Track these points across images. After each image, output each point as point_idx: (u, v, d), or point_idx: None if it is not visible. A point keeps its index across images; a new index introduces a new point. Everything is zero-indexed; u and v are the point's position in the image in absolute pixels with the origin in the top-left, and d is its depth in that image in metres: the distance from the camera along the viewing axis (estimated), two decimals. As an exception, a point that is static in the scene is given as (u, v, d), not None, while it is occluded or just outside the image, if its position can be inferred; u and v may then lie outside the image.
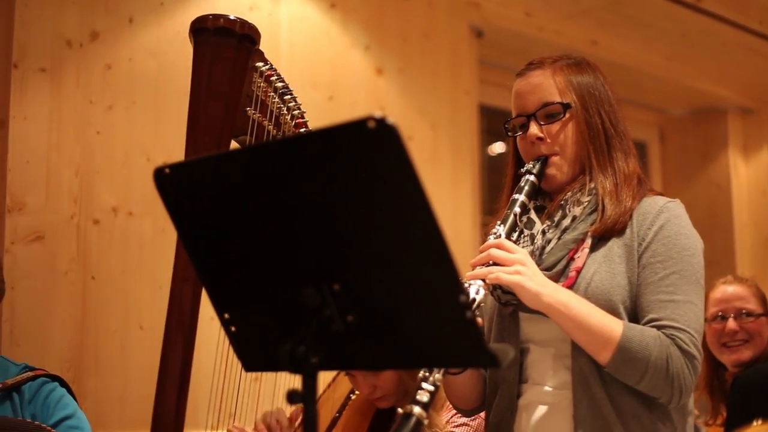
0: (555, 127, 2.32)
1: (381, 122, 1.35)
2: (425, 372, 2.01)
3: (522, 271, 2.11)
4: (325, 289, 1.52)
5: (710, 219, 6.82)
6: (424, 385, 1.99)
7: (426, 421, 1.94)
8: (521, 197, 2.29)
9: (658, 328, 2.12)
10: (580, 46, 5.71)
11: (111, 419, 3.75)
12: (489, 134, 5.82)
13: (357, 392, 2.93)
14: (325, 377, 3.05)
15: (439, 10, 5.08)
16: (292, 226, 1.54)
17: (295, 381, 1.50)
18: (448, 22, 5.13)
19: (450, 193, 4.94)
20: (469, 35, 5.29)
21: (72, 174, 3.77)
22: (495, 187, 5.53)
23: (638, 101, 6.83)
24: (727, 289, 3.67)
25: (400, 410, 1.95)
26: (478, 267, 2.15)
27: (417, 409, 1.93)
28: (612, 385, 2.16)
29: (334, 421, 2.87)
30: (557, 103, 2.32)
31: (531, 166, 2.33)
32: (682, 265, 2.18)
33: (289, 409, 2.87)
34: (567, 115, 2.32)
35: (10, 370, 3.01)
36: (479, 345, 1.48)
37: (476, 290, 2.12)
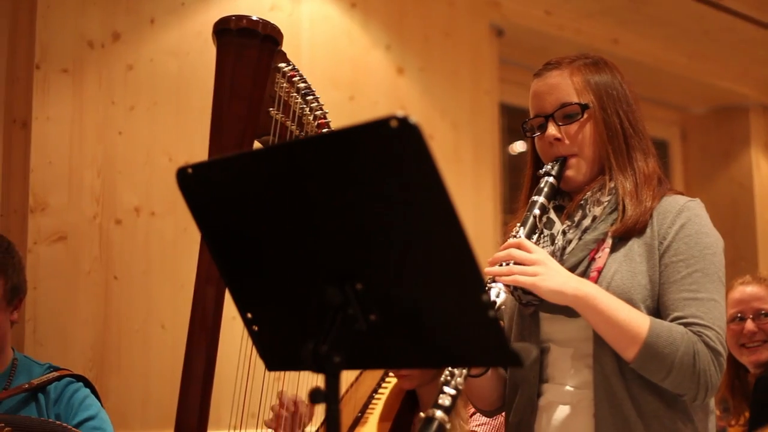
0: (573, 127, 2.31)
1: (404, 121, 1.34)
2: (447, 376, 2.01)
3: (540, 272, 2.11)
4: (348, 288, 1.52)
5: (732, 217, 6.79)
6: (446, 389, 1.99)
7: (448, 425, 1.94)
8: (540, 199, 2.29)
9: (684, 325, 2.11)
10: (601, 44, 5.70)
11: (133, 418, 3.77)
12: (510, 133, 5.82)
13: (384, 387, 2.94)
14: (347, 377, 3.05)
15: (460, 9, 5.08)
16: (315, 225, 1.54)
17: (317, 380, 1.50)
18: (469, 22, 5.12)
19: (471, 192, 4.94)
20: (490, 34, 5.28)
21: (94, 174, 3.79)
22: (516, 186, 5.50)
23: (659, 100, 6.81)
24: (745, 289, 3.64)
25: (422, 414, 1.95)
26: (497, 266, 2.15)
27: (439, 413, 1.93)
28: (633, 385, 2.15)
29: (356, 421, 2.88)
30: (575, 103, 2.31)
31: (550, 167, 2.32)
32: (705, 263, 2.18)
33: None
34: (585, 116, 2.31)
35: (34, 370, 3.03)
36: (502, 344, 1.48)
37: (497, 293, 2.12)
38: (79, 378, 3.05)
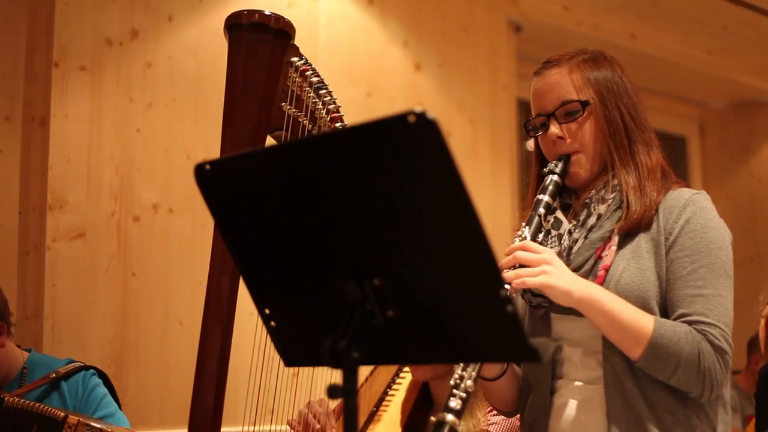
0: (574, 125, 2.31)
1: (421, 117, 1.34)
2: (457, 379, 2.02)
3: (548, 271, 2.10)
4: (366, 283, 1.52)
5: (751, 213, 6.76)
6: (456, 391, 1.99)
7: (460, 427, 1.94)
8: (545, 198, 2.28)
9: (689, 323, 2.11)
10: (619, 40, 5.68)
11: (151, 414, 3.78)
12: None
13: (398, 382, 2.94)
14: (361, 372, 3.05)
15: (478, 5, 5.07)
16: (333, 221, 1.54)
17: (333, 376, 1.50)
18: (487, 17, 5.12)
19: (489, 188, 4.94)
20: (508, 30, 5.28)
21: (112, 171, 3.80)
22: (534, 182, 5.51)
23: (678, 95, 6.78)
24: None
25: (432, 418, 1.96)
26: (505, 270, 2.14)
27: (450, 417, 1.94)
28: (644, 381, 2.15)
29: (371, 415, 2.88)
30: (575, 101, 2.31)
31: (554, 165, 2.32)
32: (711, 258, 2.17)
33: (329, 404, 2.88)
34: (586, 113, 2.30)
35: (56, 367, 3.05)
36: (520, 339, 1.48)
37: None
38: (101, 374, 3.07)
